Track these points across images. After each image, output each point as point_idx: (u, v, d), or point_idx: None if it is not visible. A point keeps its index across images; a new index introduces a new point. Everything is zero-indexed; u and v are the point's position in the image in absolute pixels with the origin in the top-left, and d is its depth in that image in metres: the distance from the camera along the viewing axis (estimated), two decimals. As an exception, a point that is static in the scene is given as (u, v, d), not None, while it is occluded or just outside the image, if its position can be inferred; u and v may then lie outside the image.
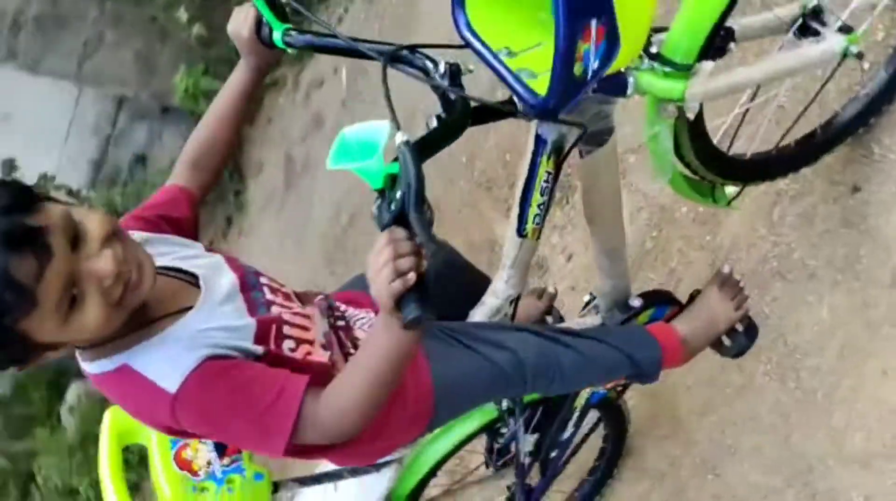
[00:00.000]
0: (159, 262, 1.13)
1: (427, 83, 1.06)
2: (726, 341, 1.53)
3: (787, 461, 1.67)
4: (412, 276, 0.86)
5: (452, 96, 1.05)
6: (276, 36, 1.22)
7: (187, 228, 1.28)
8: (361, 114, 3.20)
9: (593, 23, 1.01)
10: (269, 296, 1.20)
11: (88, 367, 1.06)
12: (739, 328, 1.52)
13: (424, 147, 0.95)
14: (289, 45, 1.23)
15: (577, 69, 1.03)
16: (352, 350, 1.20)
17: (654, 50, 1.29)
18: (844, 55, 1.41)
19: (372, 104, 3.11)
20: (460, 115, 1.05)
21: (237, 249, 3.89)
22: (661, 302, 1.58)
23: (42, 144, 4.12)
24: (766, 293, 1.80)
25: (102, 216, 1.02)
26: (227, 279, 1.17)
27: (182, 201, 1.28)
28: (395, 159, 0.88)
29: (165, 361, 1.03)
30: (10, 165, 3.64)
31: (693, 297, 1.56)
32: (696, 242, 1.98)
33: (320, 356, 1.17)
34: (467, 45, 1.12)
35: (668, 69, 1.28)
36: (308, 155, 3.39)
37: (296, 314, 1.21)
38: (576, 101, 1.09)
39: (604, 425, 1.84)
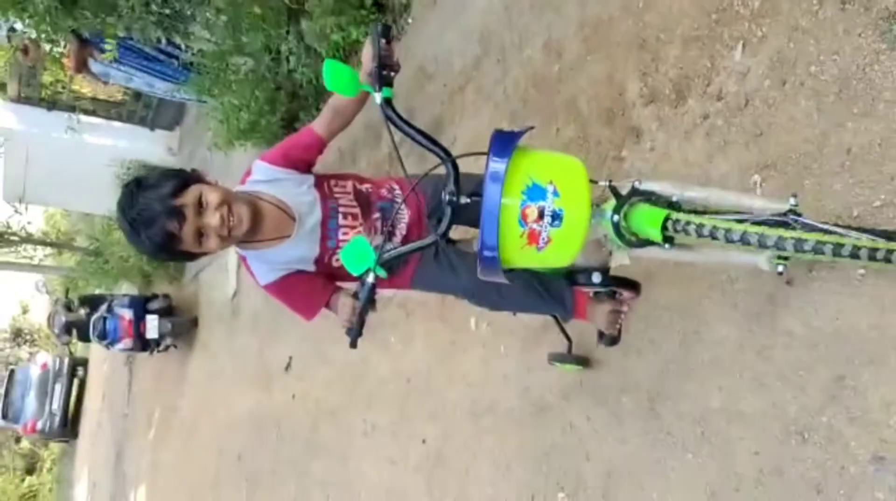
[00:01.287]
0: (281, 196, 2.13)
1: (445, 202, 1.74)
2: (602, 337, 2.42)
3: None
4: (354, 322, 1.84)
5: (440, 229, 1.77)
6: (377, 99, 1.82)
7: (312, 164, 2.21)
8: None
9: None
10: (341, 222, 2.16)
11: (236, 248, 2.16)
12: (611, 333, 2.38)
13: (388, 266, 1.78)
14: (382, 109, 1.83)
15: None
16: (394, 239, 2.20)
17: (617, 218, 1.84)
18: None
19: None
20: (431, 242, 1.79)
21: None
22: (617, 284, 2.27)
23: None
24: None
25: (219, 192, 2.00)
26: (315, 217, 2.15)
27: (315, 147, 2.18)
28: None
29: (261, 270, 2.15)
30: None
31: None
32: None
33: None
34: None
35: (615, 232, 1.87)
36: None
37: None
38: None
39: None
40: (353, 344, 1.88)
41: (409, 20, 4.86)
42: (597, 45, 3.21)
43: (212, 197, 1.97)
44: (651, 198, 1.87)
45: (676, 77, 2.76)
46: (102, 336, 8.82)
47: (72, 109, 8.83)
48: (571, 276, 2.17)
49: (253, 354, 6.95)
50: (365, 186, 2.27)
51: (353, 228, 2.17)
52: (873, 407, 1.93)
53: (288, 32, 5.34)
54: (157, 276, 10.49)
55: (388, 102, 1.82)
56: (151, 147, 10.07)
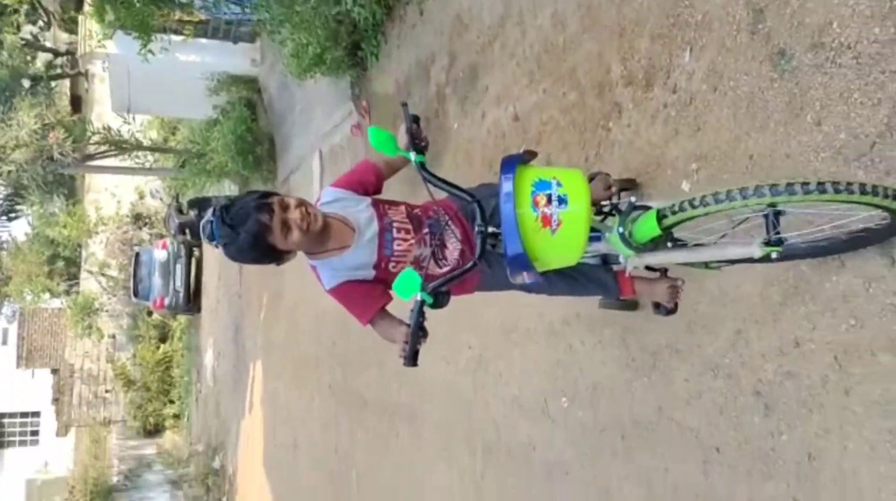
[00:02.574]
0: (343, 212, 2.62)
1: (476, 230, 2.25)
2: (659, 308, 2.88)
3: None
4: (407, 350, 2.26)
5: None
6: (414, 162, 2.32)
7: (371, 190, 2.63)
8: None
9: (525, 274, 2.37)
10: (395, 235, 2.52)
11: (308, 259, 2.72)
12: (670, 306, 2.83)
13: (434, 293, 2.20)
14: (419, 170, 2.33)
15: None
16: (441, 258, 2.57)
17: (622, 230, 2.30)
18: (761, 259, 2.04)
19: None
20: (471, 267, 2.27)
21: None
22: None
23: None
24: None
25: (296, 198, 2.53)
26: (372, 229, 2.51)
27: (372, 171, 2.63)
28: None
29: (327, 276, 2.64)
30: None
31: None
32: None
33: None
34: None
35: (623, 242, 2.35)
36: None
37: (406, 250, 2.53)
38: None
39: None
40: (413, 363, 2.26)
41: (447, -31, 5.32)
42: (590, 24, 3.71)
43: (291, 199, 2.44)
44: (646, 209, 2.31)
45: (646, 66, 3.28)
46: (211, 238, 9.99)
47: (163, 30, 9.59)
48: (605, 261, 2.75)
49: (339, 256, 7.94)
50: (416, 210, 2.67)
51: (405, 240, 2.56)
52: (756, 355, 2.62)
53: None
54: (254, 178, 11.53)
55: (422, 165, 2.34)
56: (236, 60, 10.83)
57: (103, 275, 24.60)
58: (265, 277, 11.78)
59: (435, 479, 5.33)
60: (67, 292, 27.11)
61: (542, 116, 4.12)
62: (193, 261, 18.27)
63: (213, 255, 17.83)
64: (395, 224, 2.56)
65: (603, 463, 3.46)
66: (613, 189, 3.03)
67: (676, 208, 2.07)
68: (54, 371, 28.01)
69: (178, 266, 17.60)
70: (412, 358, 2.23)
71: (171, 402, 24.06)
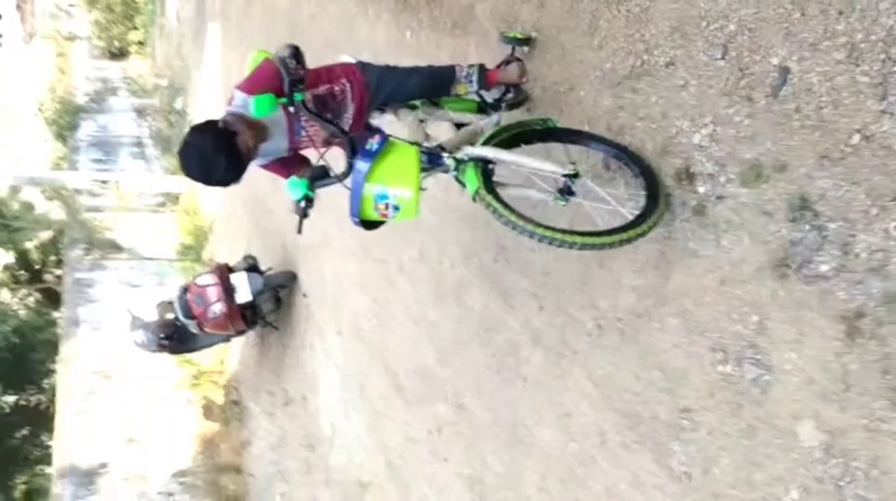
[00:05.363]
0: None
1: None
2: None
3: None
4: (299, 221, 2.92)
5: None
6: (296, 101, 2.73)
7: (278, 90, 2.74)
8: None
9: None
10: (304, 123, 2.91)
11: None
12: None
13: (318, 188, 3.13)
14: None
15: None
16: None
17: (456, 174, 2.88)
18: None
19: None
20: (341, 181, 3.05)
21: None
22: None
23: None
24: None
25: (236, 118, 2.71)
26: (283, 124, 2.89)
27: (277, 79, 2.73)
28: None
29: (255, 162, 2.92)
30: None
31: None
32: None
33: (311, 152, 3.09)
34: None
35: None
36: None
37: (317, 131, 2.94)
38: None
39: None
40: (299, 232, 2.93)
41: None
42: None
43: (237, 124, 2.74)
44: (477, 163, 2.82)
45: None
46: None
47: None
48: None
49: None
50: (322, 89, 3.00)
51: (313, 126, 2.95)
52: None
53: None
54: None
55: (302, 103, 2.77)
56: None
57: None
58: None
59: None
60: None
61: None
62: None
63: None
64: (304, 121, 2.94)
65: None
66: (525, 78, 3.55)
67: (484, 206, 2.74)
68: (14, -24, 27.42)
69: None
70: (302, 219, 2.89)
71: (136, 28, 24.27)
